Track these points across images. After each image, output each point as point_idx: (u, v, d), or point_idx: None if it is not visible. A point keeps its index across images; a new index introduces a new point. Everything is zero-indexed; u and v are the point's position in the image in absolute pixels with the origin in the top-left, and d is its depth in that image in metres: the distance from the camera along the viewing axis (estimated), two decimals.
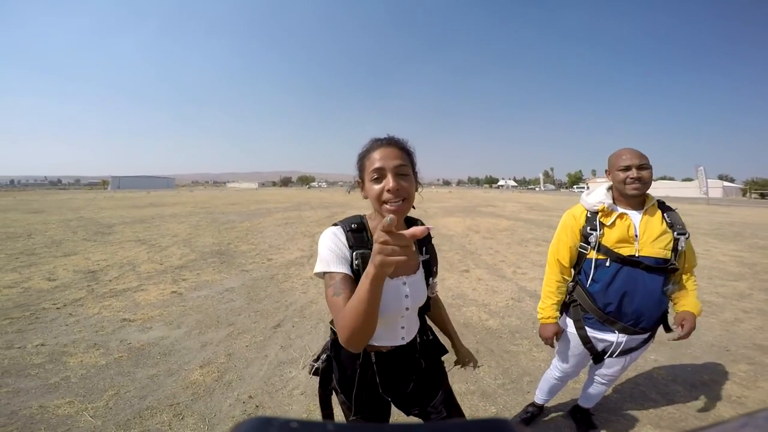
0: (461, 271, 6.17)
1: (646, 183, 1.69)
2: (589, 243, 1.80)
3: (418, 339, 1.35)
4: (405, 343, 1.27)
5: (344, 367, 1.29)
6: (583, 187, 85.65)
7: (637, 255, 1.70)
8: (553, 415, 2.49)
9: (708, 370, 3.05)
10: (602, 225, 1.77)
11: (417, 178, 1.17)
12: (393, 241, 0.78)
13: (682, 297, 1.81)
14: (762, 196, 51.10)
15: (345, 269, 1.08)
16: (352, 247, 1.13)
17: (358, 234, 1.16)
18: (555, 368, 2.18)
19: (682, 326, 1.76)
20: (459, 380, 2.78)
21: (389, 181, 1.05)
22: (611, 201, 1.80)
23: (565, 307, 1.99)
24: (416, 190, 1.15)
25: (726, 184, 64.47)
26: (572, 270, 1.94)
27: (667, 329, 1.88)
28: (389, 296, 1.14)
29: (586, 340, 1.90)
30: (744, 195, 57.63)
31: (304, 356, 3.20)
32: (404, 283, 1.19)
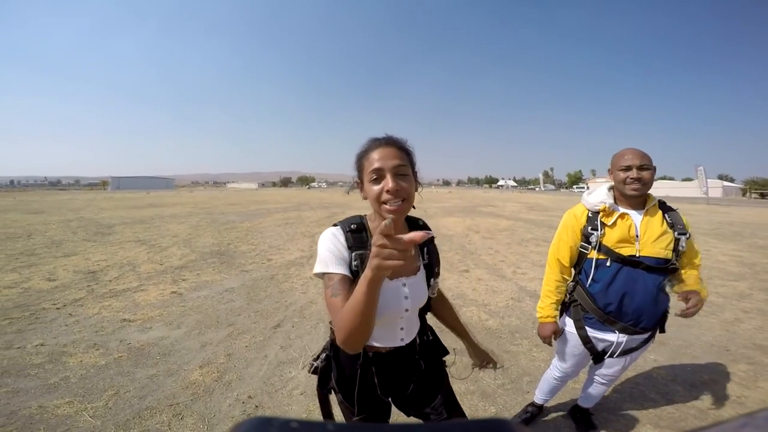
0: (461, 271, 6.17)
1: (646, 184, 1.68)
2: (590, 243, 1.80)
3: (417, 340, 1.34)
4: (404, 344, 1.27)
5: (343, 367, 1.29)
6: (583, 187, 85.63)
7: (637, 255, 1.70)
8: (553, 414, 2.49)
9: (708, 369, 3.05)
10: (603, 225, 1.77)
11: (417, 177, 1.16)
12: (391, 244, 0.78)
13: (686, 285, 1.77)
14: (762, 195, 51.12)
15: (343, 270, 1.08)
16: (351, 248, 1.13)
17: (357, 234, 1.15)
18: (555, 368, 2.18)
19: (687, 300, 1.67)
20: (458, 380, 2.78)
21: (388, 182, 1.04)
22: (612, 201, 1.79)
23: (565, 307, 1.99)
24: (416, 190, 1.14)
25: (726, 183, 64.50)
26: (572, 270, 1.94)
27: (662, 330, 1.88)
28: (388, 297, 1.14)
29: (586, 340, 1.90)
30: (744, 195, 57.65)
31: (304, 356, 3.20)
32: (404, 285, 1.18)
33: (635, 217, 1.74)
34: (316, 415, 2.45)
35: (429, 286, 1.29)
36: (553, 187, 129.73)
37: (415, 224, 1.32)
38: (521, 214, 16.29)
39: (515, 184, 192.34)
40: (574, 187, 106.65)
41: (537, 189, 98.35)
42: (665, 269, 1.71)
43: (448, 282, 5.40)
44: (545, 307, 1.97)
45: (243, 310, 4.31)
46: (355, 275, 1.09)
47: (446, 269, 6.09)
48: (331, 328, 1.31)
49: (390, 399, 1.36)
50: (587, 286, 1.84)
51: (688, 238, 1.74)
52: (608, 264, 1.75)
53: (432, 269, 1.30)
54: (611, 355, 1.89)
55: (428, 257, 1.30)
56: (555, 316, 1.96)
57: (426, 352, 1.38)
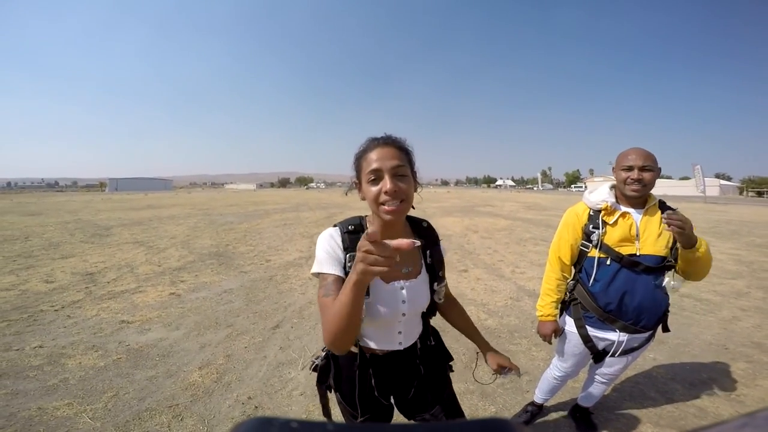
0: (460, 270, 6.17)
1: (646, 185, 1.67)
2: (590, 241, 1.80)
3: (419, 344, 1.32)
4: (402, 348, 1.25)
5: (340, 367, 1.28)
6: (581, 187, 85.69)
7: (638, 254, 1.70)
8: (553, 414, 2.50)
9: (707, 368, 3.06)
10: (605, 223, 1.77)
11: (416, 177, 1.15)
12: (376, 251, 0.78)
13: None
14: (759, 194, 51.30)
15: (337, 271, 1.09)
16: (346, 249, 1.13)
17: (354, 236, 1.15)
18: (555, 367, 2.18)
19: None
20: (458, 380, 2.78)
21: (386, 183, 1.03)
22: (614, 200, 1.80)
23: (565, 306, 1.99)
24: (415, 190, 1.13)
25: (723, 182, 64.67)
26: (573, 268, 1.94)
27: (666, 329, 1.88)
28: (385, 300, 1.14)
29: (586, 339, 1.90)
30: (741, 193, 57.83)
31: (303, 357, 3.20)
32: (402, 288, 1.17)
33: (635, 216, 1.74)
34: (316, 415, 2.45)
35: (434, 290, 1.26)
36: (551, 186, 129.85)
37: (419, 226, 1.30)
38: (519, 214, 16.31)
39: (513, 183, 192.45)
40: (572, 186, 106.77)
41: (535, 188, 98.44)
42: (663, 267, 1.71)
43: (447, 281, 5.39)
44: (545, 306, 1.97)
45: (242, 311, 4.30)
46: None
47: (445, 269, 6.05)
48: None
49: (393, 402, 1.35)
50: (587, 284, 1.85)
51: None
52: (608, 263, 1.76)
53: (435, 273, 1.27)
54: (612, 355, 1.89)
55: (431, 260, 1.26)
56: (555, 315, 1.96)
57: (427, 357, 1.35)
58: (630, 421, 2.42)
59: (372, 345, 1.23)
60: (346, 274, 1.10)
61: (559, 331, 2.00)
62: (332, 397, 1.34)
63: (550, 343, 2.04)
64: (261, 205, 22.06)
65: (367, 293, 1.10)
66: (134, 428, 2.31)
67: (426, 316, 1.35)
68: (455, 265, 6.54)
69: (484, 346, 1.47)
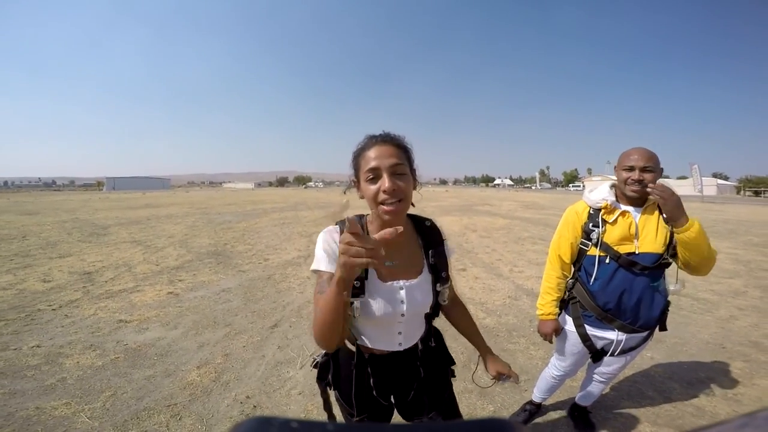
0: (458, 269, 6.18)
1: (647, 186, 1.68)
2: (590, 239, 1.80)
3: (420, 346, 1.29)
4: (402, 350, 1.24)
5: (339, 365, 1.28)
6: (579, 186, 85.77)
7: (636, 252, 1.70)
8: (551, 413, 2.50)
9: (704, 367, 3.07)
10: (604, 222, 1.77)
11: (415, 175, 1.13)
12: (358, 243, 0.79)
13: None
14: (756, 193, 51.47)
15: (331, 268, 1.09)
16: None
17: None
18: (553, 367, 2.19)
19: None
20: (457, 379, 2.78)
21: (385, 182, 1.01)
22: (614, 198, 1.80)
23: (564, 305, 1.99)
24: (415, 188, 1.13)
25: (720, 181, 64.82)
26: (572, 267, 1.95)
27: (663, 328, 1.88)
28: (382, 300, 1.13)
29: (585, 338, 1.90)
30: (738, 193, 58.01)
31: (302, 356, 3.20)
32: (401, 288, 1.15)
33: (635, 214, 1.74)
34: (315, 414, 2.45)
35: (437, 292, 1.23)
36: (549, 185, 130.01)
37: (421, 224, 1.27)
38: (517, 213, 16.33)
39: (511, 182, 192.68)
40: (570, 185, 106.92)
41: (533, 188, 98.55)
42: (660, 265, 1.71)
43: None
44: (546, 304, 1.97)
45: (240, 310, 4.30)
46: None
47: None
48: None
49: (393, 402, 1.33)
50: (586, 283, 1.85)
51: None
52: (607, 261, 1.76)
53: (438, 274, 1.23)
54: (611, 354, 1.89)
55: (434, 260, 1.22)
56: (555, 313, 1.96)
57: (428, 360, 1.33)
58: (628, 420, 2.42)
59: (371, 344, 1.22)
60: None
61: (559, 330, 1.99)
62: (333, 393, 1.34)
63: (551, 342, 2.04)
64: (259, 204, 22.04)
65: (363, 291, 1.10)
66: (132, 427, 2.31)
67: (429, 317, 1.33)
68: (453, 264, 6.52)
69: (484, 350, 1.46)
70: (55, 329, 3.70)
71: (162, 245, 8.25)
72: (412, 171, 1.12)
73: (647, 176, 1.66)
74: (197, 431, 2.30)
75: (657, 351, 3.28)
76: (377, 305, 1.12)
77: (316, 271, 1.11)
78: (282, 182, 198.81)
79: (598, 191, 1.86)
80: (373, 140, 1.08)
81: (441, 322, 1.45)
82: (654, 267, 1.70)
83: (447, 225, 11.68)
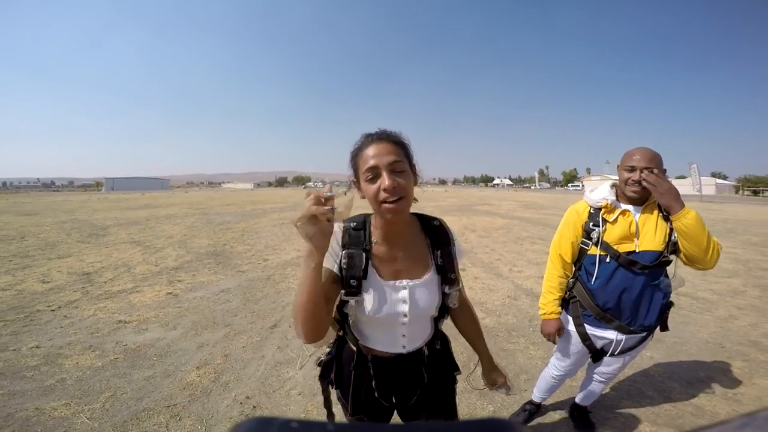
0: None
1: (646, 187, 1.68)
2: (590, 239, 1.81)
3: (425, 351, 1.26)
4: (406, 352, 1.20)
5: (342, 365, 1.27)
6: (578, 185, 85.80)
7: (636, 251, 1.70)
8: (551, 413, 2.50)
9: (704, 367, 3.08)
10: (605, 221, 1.78)
11: (415, 171, 1.11)
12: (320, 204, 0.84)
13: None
14: (754, 193, 51.55)
15: (330, 264, 1.09)
16: (344, 246, 1.12)
17: (355, 232, 1.14)
18: (553, 367, 2.19)
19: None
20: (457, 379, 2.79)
21: (384, 180, 1.00)
22: (615, 198, 1.80)
23: (564, 304, 1.99)
24: (416, 184, 1.11)
25: (719, 181, 64.92)
26: (573, 266, 1.95)
27: (664, 328, 1.88)
28: (382, 299, 1.11)
29: (584, 337, 1.90)
30: (737, 192, 58.08)
31: (301, 356, 3.20)
32: (404, 288, 1.13)
33: (635, 213, 1.74)
34: (314, 414, 2.45)
35: (445, 294, 1.20)
36: (548, 185, 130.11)
37: (429, 224, 1.26)
38: (517, 213, 16.33)
39: (511, 182, 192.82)
40: (569, 185, 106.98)
41: (532, 187, 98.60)
42: (660, 263, 1.71)
43: None
44: (548, 304, 1.96)
45: (239, 310, 4.30)
46: (342, 273, 1.10)
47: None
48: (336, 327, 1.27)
49: (394, 403, 1.30)
50: (586, 282, 1.85)
51: None
52: (607, 260, 1.76)
53: (446, 275, 1.19)
54: (611, 354, 1.89)
55: (441, 261, 1.19)
56: (558, 313, 1.95)
57: (434, 365, 1.29)
58: (628, 420, 2.42)
59: (373, 346, 1.20)
60: (340, 270, 1.10)
61: (563, 330, 1.98)
62: (335, 393, 1.34)
63: (555, 342, 2.02)
64: (258, 205, 22.03)
65: (359, 291, 1.10)
66: (132, 428, 2.31)
67: (436, 320, 1.30)
68: None
69: (485, 357, 1.45)
70: (54, 330, 3.70)
71: (161, 246, 8.24)
72: (412, 167, 1.10)
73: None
74: None
75: (656, 350, 3.28)
76: (377, 304, 1.11)
77: None
78: (281, 182, 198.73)
79: (599, 191, 1.87)
80: (370, 138, 1.07)
81: (446, 326, 1.42)
82: (654, 265, 1.70)
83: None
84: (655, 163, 1.65)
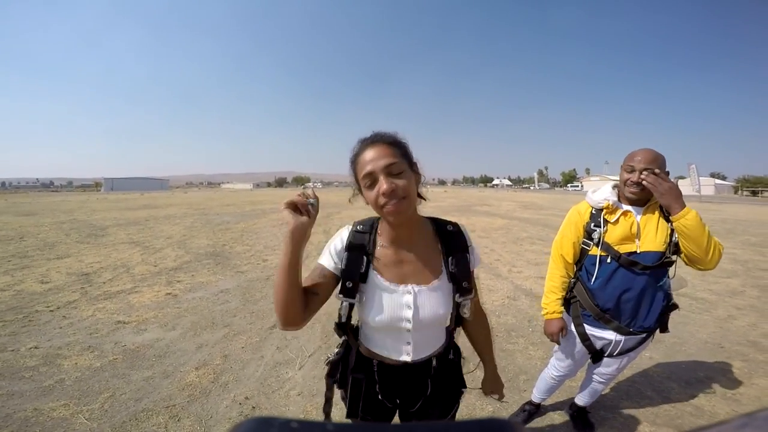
0: None
1: (645, 188, 1.67)
2: (591, 239, 1.81)
3: (434, 363, 1.22)
4: (411, 361, 1.16)
5: (347, 367, 1.26)
6: (577, 186, 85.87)
7: (638, 251, 1.70)
8: (550, 413, 2.50)
9: (703, 367, 3.08)
10: (606, 222, 1.78)
11: (416, 169, 1.08)
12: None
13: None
14: (753, 193, 51.65)
15: (328, 263, 1.12)
16: (348, 247, 1.13)
17: (360, 235, 1.14)
18: (553, 367, 2.19)
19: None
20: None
21: (382, 184, 0.98)
22: (616, 198, 1.80)
23: (565, 304, 1.99)
24: (420, 183, 1.10)
25: (718, 181, 65.03)
26: (575, 266, 1.95)
27: (664, 330, 1.88)
28: (384, 303, 1.10)
29: (584, 337, 1.90)
30: (735, 192, 58.18)
31: (300, 357, 3.19)
32: (409, 293, 1.10)
33: (636, 214, 1.74)
34: (313, 415, 2.45)
35: (457, 303, 1.16)
36: (547, 185, 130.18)
37: (443, 228, 1.20)
38: (516, 213, 16.34)
39: (510, 183, 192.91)
40: (568, 185, 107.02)
41: (532, 188, 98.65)
42: (661, 265, 1.71)
43: None
44: (551, 303, 1.96)
45: (239, 311, 4.29)
46: (342, 274, 1.11)
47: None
48: (339, 327, 1.24)
49: (398, 404, 1.28)
50: (587, 282, 1.85)
51: None
52: (608, 261, 1.76)
53: (459, 283, 1.15)
54: (610, 355, 1.89)
55: (454, 268, 1.14)
56: (561, 312, 1.94)
57: (440, 377, 1.25)
58: (627, 420, 2.43)
59: (378, 351, 1.19)
60: (341, 271, 1.12)
61: (566, 330, 1.97)
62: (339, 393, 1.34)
63: (558, 342, 2.01)
64: (258, 205, 22.01)
65: (355, 292, 1.10)
66: (131, 429, 2.30)
67: (450, 330, 1.27)
68: None
69: (489, 368, 1.43)
70: (53, 330, 3.69)
71: (160, 246, 8.23)
72: (412, 166, 1.07)
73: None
74: None
75: (655, 351, 3.28)
76: (377, 308, 1.10)
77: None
78: (281, 183, 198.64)
79: (601, 191, 1.87)
80: (365, 143, 1.05)
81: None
82: (655, 266, 1.70)
83: None
84: (656, 164, 1.65)
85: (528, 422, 2.40)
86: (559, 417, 2.46)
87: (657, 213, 1.72)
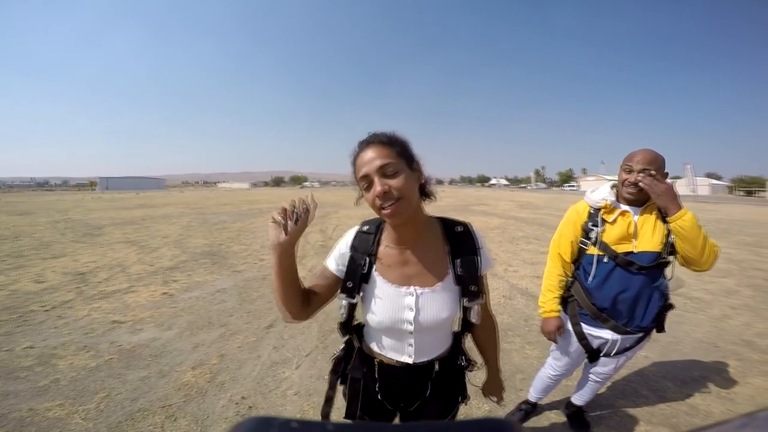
0: None
1: (642, 189, 1.68)
2: (589, 238, 1.81)
3: (437, 367, 1.19)
4: (412, 363, 1.15)
5: (349, 363, 1.28)
6: (574, 186, 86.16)
7: (634, 251, 1.71)
8: (547, 412, 2.51)
9: (698, 366, 3.09)
10: (604, 221, 1.78)
11: (415, 166, 1.05)
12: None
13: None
14: (748, 193, 51.99)
15: (330, 264, 1.15)
16: (352, 248, 1.14)
17: (364, 236, 1.15)
18: (549, 367, 2.19)
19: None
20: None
21: (376, 186, 0.96)
22: (614, 198, 1.81)
23: (562, 303, 1.99)
24: (421, 181, 1.07)
25: (713, 181, 65.39)
26: (572, 265, 1.95)
27: (661, 329, 1.89)
28: (384, 303, 1.10)
29: (581, 337, 1.91)
30: (731, 192, 58.54)
31: (297, 356, 3.19)
32: (411, 294, 1.08)
33: (634, 214, 1.75)
34: (311, 414, 2.45)
35: (465, 308, 1.14)
36: (544, 185, 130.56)
37: (451, 229, 1.16)
38: (513, 213, 16.37)
39: (507, 182, 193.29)
40: (565, 185, 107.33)
41: (528, 187, 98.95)
42: (657, 265, 1.72)
43: None
44: (548, 302, 1.96)
45: (235, 310, 4.28)
46: (345, 274, 1.13)
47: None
48: (342, 327, 1.25)
49: (400, 407, 1.28)
50: (584, 282, 1.86)
51: None
52: (605, 260, 1.77)
53: (466, 287, 1.12)
54: (607, 354, 1.90)
55: (461, 271, 1.11)
56: (559, 311, 1.95)
57: (441, 382, 1.23)
58: (623, 419, 2.43)
59: (380, 351, 1.19)
60: (344, 272, 1.13)
61: (563, 328, 1.97)
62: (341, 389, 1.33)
63: (555, 341, 2.01)
64: (255, 204, 21.94)
65: (354, 291, 1.12)
66: (127, 429, 2.29)
67: (457, 335, 1.25)
68: None
69: (493, 371, 1.41)
70: (48, 330, 3.67)
71: (156, 245, 8.19)
72: (412, 164, 1.04)
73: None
74: None
75: (651, 350, 3.29)
76: (377, 309, 1.10)
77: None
78: (278, 182, 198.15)
79: (599, 191, 1.88)
80: (362, 145, 1.04)
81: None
82: (652, 266, 1.70)
83: None
84: (655, 165, 1.65)
85: (524, 421, 2.40)
86: (555, 416, 2.47)
87: (654, 214, 1.73)
